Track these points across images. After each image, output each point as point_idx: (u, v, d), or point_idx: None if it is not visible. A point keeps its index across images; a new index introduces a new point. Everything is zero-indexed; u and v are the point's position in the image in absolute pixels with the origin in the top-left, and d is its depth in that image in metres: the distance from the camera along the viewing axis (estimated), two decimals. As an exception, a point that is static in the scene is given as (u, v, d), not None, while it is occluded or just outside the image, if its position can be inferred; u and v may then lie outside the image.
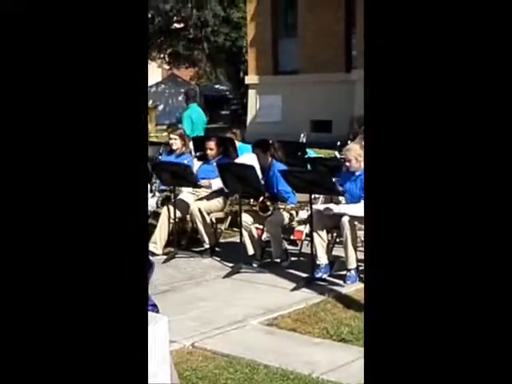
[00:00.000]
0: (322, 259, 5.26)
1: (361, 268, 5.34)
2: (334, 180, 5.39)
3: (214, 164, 6.21)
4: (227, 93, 23.88)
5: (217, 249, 6.23)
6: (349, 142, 6.93)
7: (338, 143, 8.03)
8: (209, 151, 6.45)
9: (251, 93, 16.55)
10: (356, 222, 5.19)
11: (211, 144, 6.48)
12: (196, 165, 6.65)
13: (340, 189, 5.51)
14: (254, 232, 5.73)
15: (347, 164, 5.39)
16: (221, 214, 6.39)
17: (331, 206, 5.38)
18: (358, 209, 5.27)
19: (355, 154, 5.34)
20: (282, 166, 5.81)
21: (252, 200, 5.93)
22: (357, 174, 5.35)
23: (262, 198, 5.64)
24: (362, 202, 5.26)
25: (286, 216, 5.73)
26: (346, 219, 5.14)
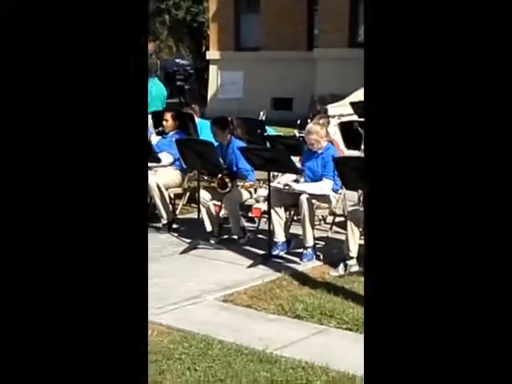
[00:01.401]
0: (280, 237, 5.30)
1: (318, 246, 5.40)
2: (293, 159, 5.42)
3: (173, 139, 6.17)
4: (188, 67, 23.63)
5: (174, 225, 6.22)
6: (309, 120, 6.94)
7: (298, 121, 8.05)
8: (164, 122, 6.44)
9: (212, 68, 16.43)
10: (314, 201, 5.23)
11: (167, 115, 6.48)
12: (155, 140, 6.59)
13: (299, 167, 5.56)
14: (212, 209, 5.73)
15: (310, 147, 5.44)
16: (179, 190, 6.38)
17: (291, 183, 5.41)
18: (317, 187, 5.33)
19: (316, 136, 5.39)
20: (241, 144, 5.81)
21: (210, 176, 5.92)
22: (318, 152, 5.40)
23: (220, 175, 5.64)
24: (325, 180, 5.32)
25: (245, 193, 5.75)
26: (304, 197, 5.18)
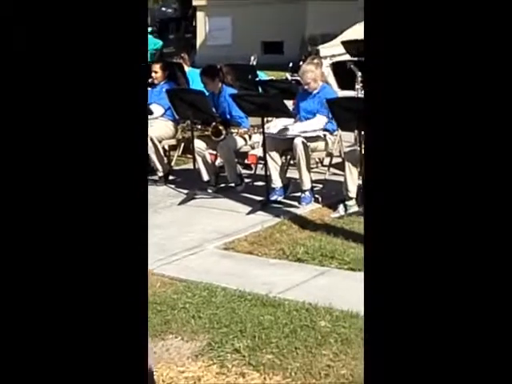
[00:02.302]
0: (277, 182, 5.29)
1: (315, 189, 5.39)
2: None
3: (163, 89, 6.09)
4: (174, 16, 23.18)
5: (171, 176, 6.20)
6: (301, 62, 6.84)
7: (290, 64, 7.95)
8: (154, 74, 6.36)
9: (199, 15, 16.13)
10: (309, 143, 5.20)
11: (156, 67, 6.40)
12: (145, 92, 6.52)
13: (291, 110, 5.51)
14: (208, 158, 5.70)
15: (305, 87, 5.38)
16: (173, 141, 6.33)
17: (286, 128, 5.37)
18: (310, 125, 5.28)
19: (312, 75, 5.33)
20: (233, 91, 5.74)
21: (204, 125, 5.87)
22: (314, 92, 5.35)
23: (214, 123, 5.59)
24: (317, 116, 5.26)
25: (239, 140, 5.71)
26: (298, 141, 5.14)
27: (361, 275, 3.80)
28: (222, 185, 5.78)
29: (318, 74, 5.38)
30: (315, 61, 5.80)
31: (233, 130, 5.66)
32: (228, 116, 5.71)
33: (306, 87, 5.39)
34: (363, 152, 4.86)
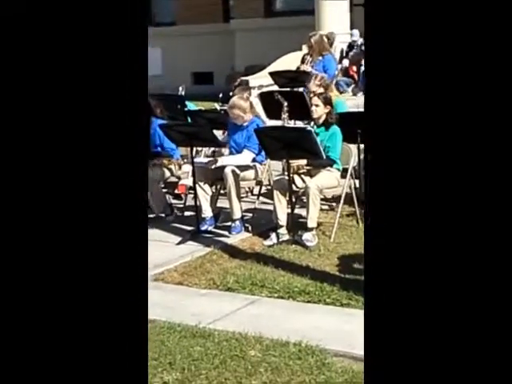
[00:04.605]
0: (207, 212, 5.28)
1: (245, 218, 5.41)
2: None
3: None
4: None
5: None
6: (231, 93, 6.90)
7: (221, 95, 8.00)
8: None
9: (129, 46, 16.07)
10: (239, 172, 5.22)
11: None
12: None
13: (224, 140, 5.55)
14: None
15: (233, 121, 5.41)
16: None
17: (214, 158, 5.40)
18: (241, 159, 5.33)
19: (239, 111, 5.35)
20: (162, 122, 5.72)
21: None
22: (244, 125, 5.38)
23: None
24: (244, 151, 5.33)
25: (165, 171, 5.69)
26: (228, 170, 5.17)
27: (290, 303, 3.84)
28: (152, 215, 5.72)
29: (246, 108, 5.38)
30: (245, 94, 5.83)
31: (156, 162, 5.63)
32: (159, 148, 5.69)
33: (234, 120, 5.43)
34: (291, 180, 4.94)
